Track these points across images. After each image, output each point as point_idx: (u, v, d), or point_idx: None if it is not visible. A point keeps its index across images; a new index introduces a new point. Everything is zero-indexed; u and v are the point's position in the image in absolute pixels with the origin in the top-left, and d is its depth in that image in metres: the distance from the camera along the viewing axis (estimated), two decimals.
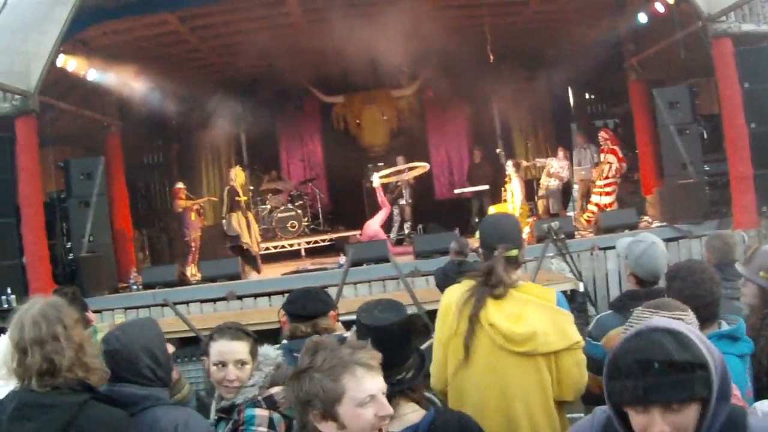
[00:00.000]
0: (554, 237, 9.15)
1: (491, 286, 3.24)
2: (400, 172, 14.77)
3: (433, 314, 6.45)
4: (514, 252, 3.37)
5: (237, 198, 13.82)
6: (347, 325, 4.04)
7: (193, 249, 14.11)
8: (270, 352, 3.44)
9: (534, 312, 3.19)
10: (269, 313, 9.16)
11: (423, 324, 7.37)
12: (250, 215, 14.41)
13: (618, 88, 15.86)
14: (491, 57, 13.87)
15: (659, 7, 11.75)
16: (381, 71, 14.30)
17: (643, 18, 12.54)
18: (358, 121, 17.10)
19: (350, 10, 11.50)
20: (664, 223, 11.95)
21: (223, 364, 3.25)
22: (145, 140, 16.01)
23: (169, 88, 13.58)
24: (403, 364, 2.82)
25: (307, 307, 3.92)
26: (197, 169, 17.80)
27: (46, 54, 10.06)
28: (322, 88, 16.87)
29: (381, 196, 13.90)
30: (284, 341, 3.95)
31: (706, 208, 11.69)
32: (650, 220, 13.17)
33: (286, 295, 10.19)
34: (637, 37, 14.00)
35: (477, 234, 4.62)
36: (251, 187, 16.84)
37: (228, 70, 15.23)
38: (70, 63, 11.57)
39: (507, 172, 14.47)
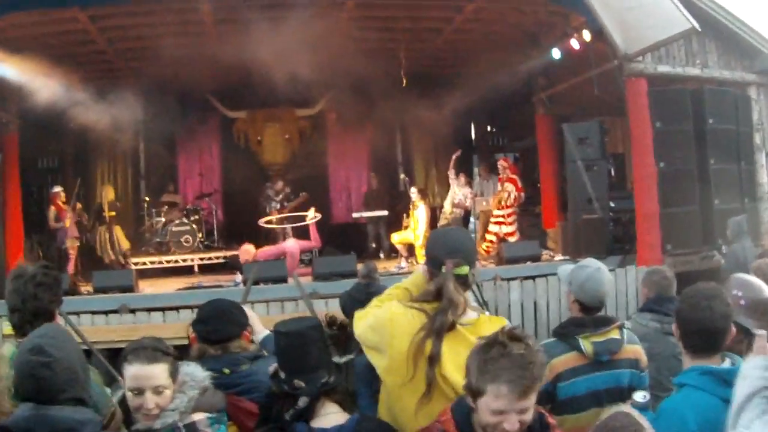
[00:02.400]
0: None
1: (442, 311, 2.83)
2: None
3: (332, 337, 6.17)
4: (465, 269, 2.93)
5: (103, 213, 13.90)
6: None
7: (72, 257, 13.34)
8: (197, 372, 3.10)
9: None
10: (163, 328, 8.71)
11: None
12: (118, 230, 14.12)
13: (523, 121, 16.05)
14: (404, 81, 13.76)
15: (575, 44, 11.89)
16: (288, 88, 13.95)
17: (556, 53, 12.67)
18: (259, 138, 16.72)
19: (263, 22, 11.05)
20: (567, 257, 12.03)
21: (140, 391, 2.85)
22: (42, 142, 15.04)
23: (72, 88, 12.69)
24: (323, 368, 2.89)
25: (218, 330, 3.59)
26: (93, 175, 16.92)
27: None
28: (225, 102, 16.37)
29: (314, 232, 13.62)
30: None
31: (610, 244, 11.81)
32: (552, 253, 13.28)
33: (181, 310, 9.67)
34: (548, 72, 14.20)
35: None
36: (146, 198, 16.24)
37: (132, 75, 14.46)
38: None
39: (413, 199, 14.26)
